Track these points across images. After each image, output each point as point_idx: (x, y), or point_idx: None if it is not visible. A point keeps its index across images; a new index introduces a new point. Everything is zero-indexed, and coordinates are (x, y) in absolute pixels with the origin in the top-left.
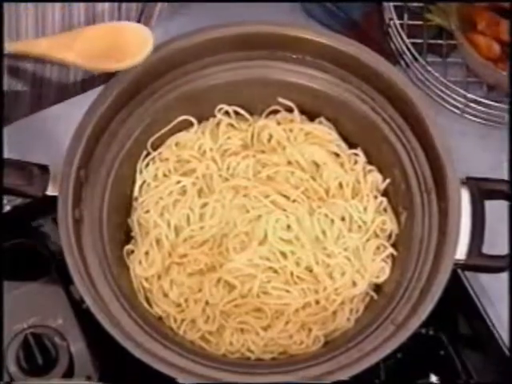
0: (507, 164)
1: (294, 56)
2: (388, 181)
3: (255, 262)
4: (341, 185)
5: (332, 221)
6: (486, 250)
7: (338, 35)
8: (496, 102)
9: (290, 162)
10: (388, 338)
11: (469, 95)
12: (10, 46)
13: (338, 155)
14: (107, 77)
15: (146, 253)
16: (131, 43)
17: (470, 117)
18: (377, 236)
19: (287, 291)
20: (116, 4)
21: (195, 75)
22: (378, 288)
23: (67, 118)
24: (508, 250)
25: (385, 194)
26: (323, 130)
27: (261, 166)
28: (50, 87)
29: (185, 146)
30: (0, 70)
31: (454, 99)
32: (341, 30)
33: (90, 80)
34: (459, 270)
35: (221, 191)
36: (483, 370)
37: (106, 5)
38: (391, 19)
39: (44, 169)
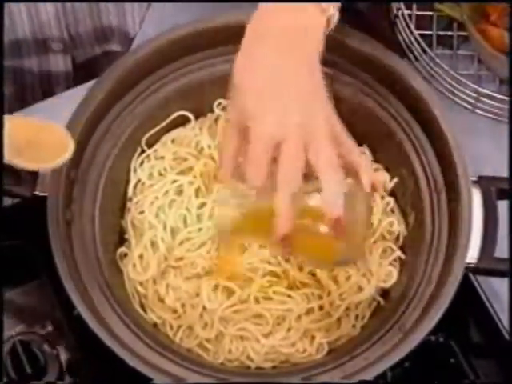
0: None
1: None
2: (395, 180)
3: (255, 265)
4: None
5: None
6: (498, 252)
7: (342, 26)
8: (508, 96)
9: None
10: (395, 345)
11: (480, 89)
12: None
13: None
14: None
15: (141, 256)
16: (49, 145)
17: (482, 112)
18: (384, 238)
19: (289, 296)
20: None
21: (192, 68)
22: (385, 293)
23: (56, 114)
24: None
25: (392, 194)
26: None
27: None
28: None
29: (181, 143)
30: (0, 69)
31: (465, 94)
32: (345, 21)
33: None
34: (470, 274)
35: (219, 191)
36: (496, 379)
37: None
38: (399, 9)
39: None
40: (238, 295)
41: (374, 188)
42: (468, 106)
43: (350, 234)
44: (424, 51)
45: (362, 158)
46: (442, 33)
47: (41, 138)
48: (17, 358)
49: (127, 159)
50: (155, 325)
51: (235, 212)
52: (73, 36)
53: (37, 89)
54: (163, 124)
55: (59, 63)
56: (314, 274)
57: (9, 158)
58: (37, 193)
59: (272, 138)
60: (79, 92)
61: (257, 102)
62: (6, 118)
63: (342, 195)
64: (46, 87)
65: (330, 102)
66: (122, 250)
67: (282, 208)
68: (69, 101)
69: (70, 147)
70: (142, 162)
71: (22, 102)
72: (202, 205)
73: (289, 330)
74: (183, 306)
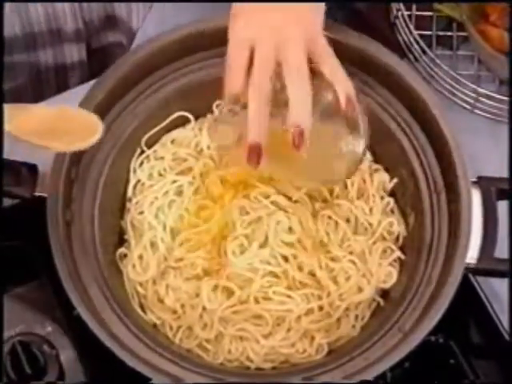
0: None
1: None
2: (395, 180)
3: (255, 265)
4: (345, 185)
5: (336, 223)
6: (498, 253)
7: (341, 26)
8: (508, 96)
9: None
10: (395, 346)
11: (480, 90)
12: None
13: None
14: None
15: (140, 256)
16: (78, 130)
17: (481, 112)
18: (384, 239)
19: (289, 297)
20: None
21: (192, 68)
22: (384, 294)
23: None
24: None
25: (392, 194)
26: None
27: None
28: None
29: (181, 144)
30: (0, 67)
31: (465, 94)
32: (345, 21)
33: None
34: (470, 275)
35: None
36: (496, 380)
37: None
38: (399, 10)
39: (32, 168)
40: (237, 295)
41: (348, 101)
42: (467, 106)
43: (319, 149)
44: (424, 51)
45: (340, 71)
46: (441, 33)
47: (65, 123)
48: (16, 358)
49: (127, 159)
50: (155, 325)
51: (235, 129)
52: (87, 22)
53: (52, 82)
54: (163, 124)
55: (73, 53)
56: (313, 275)
57: (42, 143)
58: (36, 193)
59: (245, 40)
60: (81, 91)
61: (237, 17)
62: (25, 106)
63: (308, 104)
64: (61, 80)
65: (320, 18)
66: (122, 250)
67: (252, 113)
68: (78, 97)
69: (99, 128)
70: (141, 163)
71: (38, 95)
72: None
73: (288, 330)
74: (183, 306)
